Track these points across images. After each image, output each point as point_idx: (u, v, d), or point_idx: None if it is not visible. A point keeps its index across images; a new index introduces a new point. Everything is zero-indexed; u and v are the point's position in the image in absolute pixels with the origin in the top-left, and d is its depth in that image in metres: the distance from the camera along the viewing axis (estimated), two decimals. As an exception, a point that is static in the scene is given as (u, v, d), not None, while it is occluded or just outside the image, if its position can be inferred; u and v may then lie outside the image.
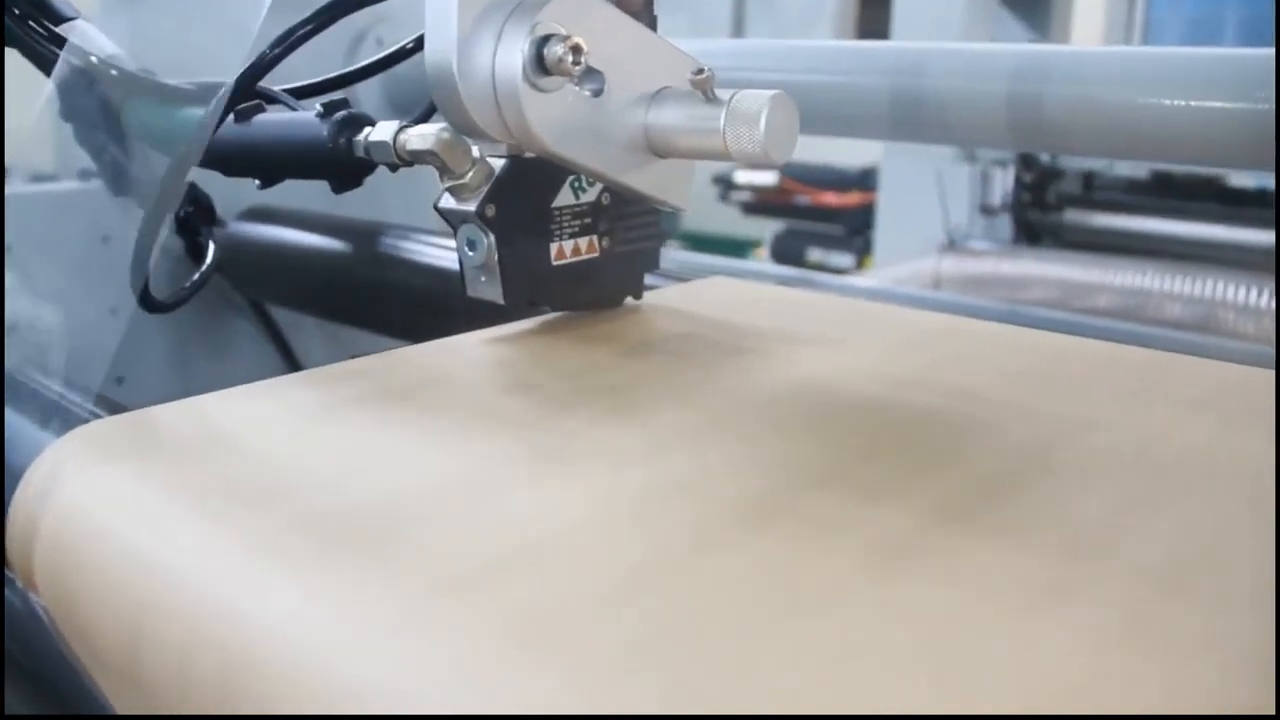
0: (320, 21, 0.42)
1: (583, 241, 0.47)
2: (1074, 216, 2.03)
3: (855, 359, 0.42)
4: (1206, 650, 0.22)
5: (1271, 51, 0.61)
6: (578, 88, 0.36)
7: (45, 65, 0.55)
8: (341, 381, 0.39)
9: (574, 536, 0.27)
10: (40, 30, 0.54)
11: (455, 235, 0.44)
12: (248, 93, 0.44)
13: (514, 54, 0.34)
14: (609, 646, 0.22)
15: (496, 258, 0.43)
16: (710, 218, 3.32)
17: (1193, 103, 0.62)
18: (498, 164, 0.43)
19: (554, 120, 0.35)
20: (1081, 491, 0.29)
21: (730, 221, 2.94)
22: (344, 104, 0.46)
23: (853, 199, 2.32)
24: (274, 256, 0.79)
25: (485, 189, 0.43)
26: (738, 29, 3.57)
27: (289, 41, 0.43)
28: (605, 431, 0.34)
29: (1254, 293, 1.50)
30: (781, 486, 0.30)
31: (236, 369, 0.92)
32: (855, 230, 2.29)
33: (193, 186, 0.56)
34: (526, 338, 0.45)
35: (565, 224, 0.46)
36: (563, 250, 0.46)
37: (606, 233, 0.47)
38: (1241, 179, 1.76)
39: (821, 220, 2.39)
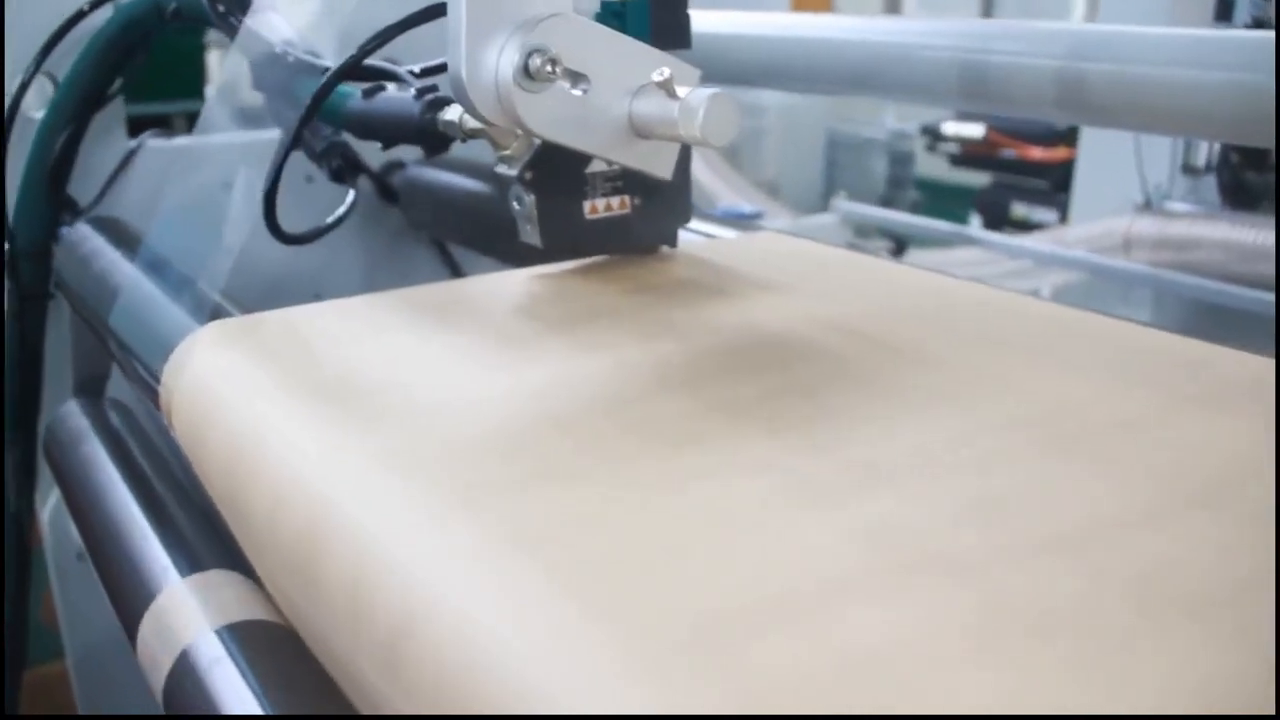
0: (407, 24, 0.55)
1: (614, 200, 0.58)
2: (1293, 179, 1.93)
3: (810, 306, 0.52)
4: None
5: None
6: (566, 86, 0.48)
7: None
8: (406, 302, 0.53)
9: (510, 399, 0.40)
10: (237, 21, 0.70)
11: (508, 195, 0.57)
12: (345, 77, 0.58)
13: (508, 65, 0.46)
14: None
15: (536, 212, 0.56)
16: (935, 168, 3.31)
17: (1225, 79, 0.66)
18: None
19: (542, 113, 0.47)
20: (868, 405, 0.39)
21: (952, 170, 2.95)
22: (433, 88, 0.59)
23: (1059, 153, 2.29)
24: (436, 196, 0.94)
25: (526, 158, 0.55)
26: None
27: (378, 41, 0.56)
28: (559, 344, 0.46)
29: None
30: (640, 389, 0.41)
31: (414, 292, 1.08)
32: (1059, 186, 2.27)
33: (344, 144, 0.71)
34: (561, 275, 0.58)
35: (598, 185, 0.57)
36: (595, 207, 0.58)
37: (637, 193, 0.59)
38: None
39: (1027, 174, 2.38)
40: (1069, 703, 0.23)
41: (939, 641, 0.26)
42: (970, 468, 0.34)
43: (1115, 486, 0.33)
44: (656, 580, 0.29)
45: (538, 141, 0.55)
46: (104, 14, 0.85)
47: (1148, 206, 1.84)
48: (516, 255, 0.90)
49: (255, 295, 0.62)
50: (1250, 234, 1.71)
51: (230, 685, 0.41)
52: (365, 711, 0.34)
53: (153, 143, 0.93)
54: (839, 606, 0.27)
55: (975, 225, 2.15)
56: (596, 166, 0.57)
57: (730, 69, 0.87)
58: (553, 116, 0.47)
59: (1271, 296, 1.54)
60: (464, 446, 0.37)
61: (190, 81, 3.68)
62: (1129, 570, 0.28)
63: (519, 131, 0.55)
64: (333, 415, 0.40)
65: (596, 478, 0.34)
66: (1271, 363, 0.43)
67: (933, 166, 3.01)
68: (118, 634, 0.81)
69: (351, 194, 0.72)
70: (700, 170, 2.37)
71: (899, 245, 1.76)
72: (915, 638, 0.26)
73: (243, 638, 0.44)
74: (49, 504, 0.91)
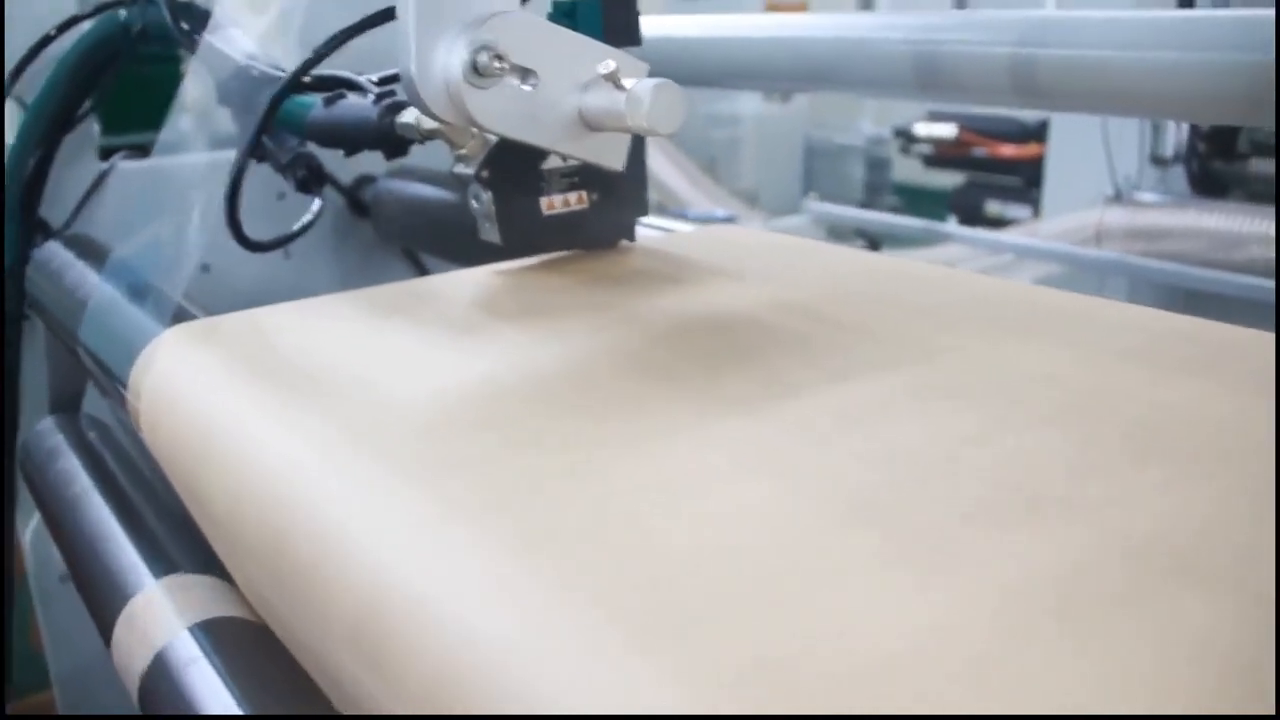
0: (360, 28, 0.56)
1: (571, 196, 0.59)
2: (1261, 166, 1.95)
3: (765, 290, 0.53)
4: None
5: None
6: (515, 82, 0.49)
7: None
8: (367, 300, 0.54)
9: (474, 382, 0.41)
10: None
11: (466, 194, 0.58)
12: (301, 84, 0.59)
13: (456, 63, 0.47)
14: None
15: (494, 210, 0.57)
16: (916, 172, 3.33)
17: (1176, 60, 0.68)
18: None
19: (493, 109, 0.48)
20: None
21: (932, 173, 2.97)
22: (391, 93, 0.60)
23: (1030, 150, 2.31)
24: (406, 207, 0.95)
25: (482, 156, 0.56)
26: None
27: (332, 45, 0.57)
28: (516, 331, 0.47)
29: None
30: (595, 368, 0.42)
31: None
32: (1032, 182, 2.29)
33: (309, 155, 0.72)
34: (520, 271, 0.59)
35: (555, 182, 0.59)
36: (553, 203, 0.59)
37: (594, 188, 0.60)
38: None
39: (1000, 172, 2.40)
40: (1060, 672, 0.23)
41: (872, 586, 0.27)
42: (923, 433, 0.36)
43: (1084, 451, 0.34)
44: (605, 544, 0.30)
45: (493, 140, 0.56)
46: (72, 37, 0.86)
47: (1118, 198, 1.86)
48: (485, 261, 0.91)
49: (229, 312, 0.63)
50: (1220, 221, 1.73)
51: (205, 682, 0.42)
52: (336, 700, 0.35)
53: (124, 165, 0.94)
54: (779, 557, 0.28)
55: (951, 224, 2.17)
56: (553, 163, 0.58)
57: (689, 72, 0.88)
58: (503, 112, 0.48)
59: (1248, 279, 1.55)
60: (425, 431, 0.38)
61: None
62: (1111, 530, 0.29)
63: (474, 130, 0.56)
64: (294, 407, 0.41)
65: (554, 453, 0.35)
66: (1229, 328, 0.44)
67: (910, 171, 3.04)
68: (102, 655, 0.82)
69: (317, 203, 0.73)
70: (677, 181, 2.39)
71: (873, 246, 1.78)
72: (829, 574, 0.27)
73: (216, 635, 0.44)
74: (30, 526, 0.92)
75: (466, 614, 0.28)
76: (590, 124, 0.51)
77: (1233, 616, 0.25)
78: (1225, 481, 0.31)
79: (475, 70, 0.47)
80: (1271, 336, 0.43)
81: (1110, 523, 0.29)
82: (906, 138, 2.51)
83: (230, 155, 0.67)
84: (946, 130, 2.41)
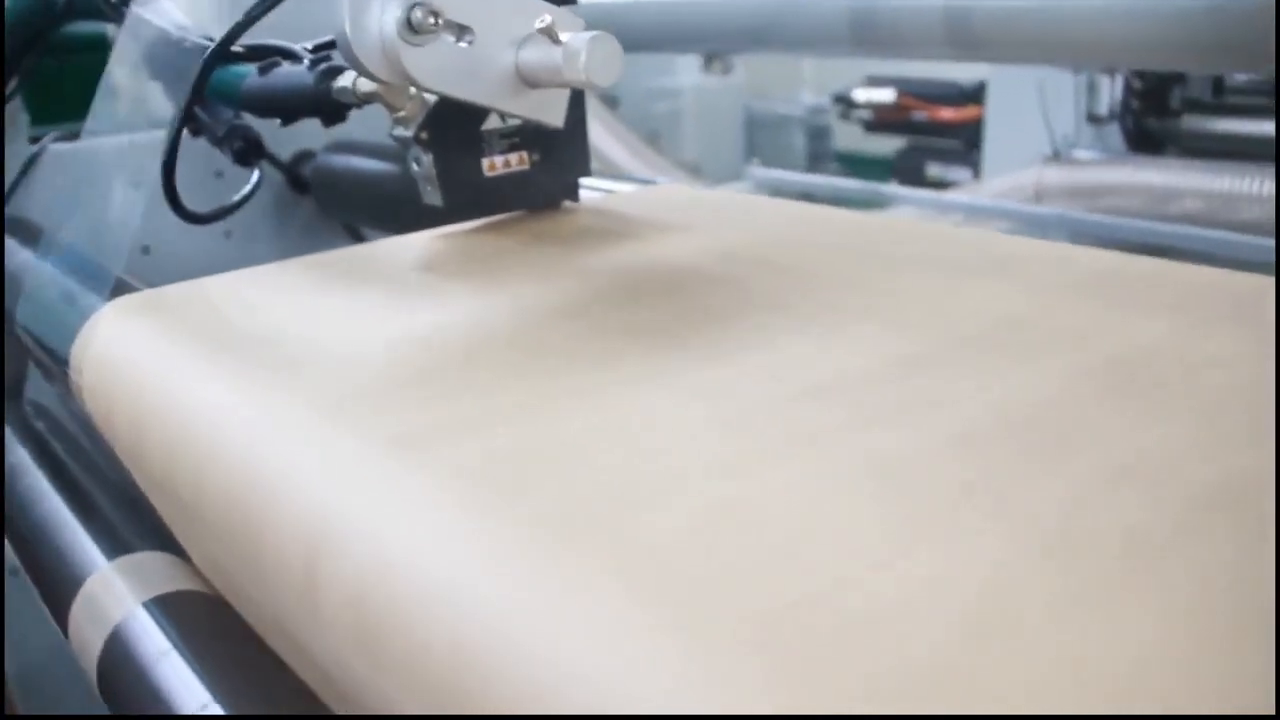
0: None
1: (512, 157, 0.59)
2: (1193, 123, 1.99)
3: (708, 241, 0.53)
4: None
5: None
6: (451, 39, 0.48)
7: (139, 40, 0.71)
8: (311, 266, 0.54)
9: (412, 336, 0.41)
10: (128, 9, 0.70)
11: (407, 157, 0.57)
12: (225, 55, 0.58)
13: (391, 20, 0.46)
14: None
15: (435, 172, 0.56)
16: (857, 140, 3.35)
17: (1104, 5, 0.69)
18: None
19: (428, 65, 0.48)
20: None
21: (872, 140, 2.99)
22: (326, 58, 0.59)
23: (969, 113, 2.34)
24: (346, 181, 0.94)
25: (421, 118, 0.56)
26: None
27: (261, 9, 0.56)
28: (461, 289, 0.47)
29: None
30: (541, 319, 0.42)
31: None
32: (972, 144, 2.32)
33: (246, 127, 0.71)
34: (463, 233, 0.58)
35: (495, 143, 0.58)
36: (494, 164, 0.58)
37: (535, 149, 0.60)
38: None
39: (939, 135, 2.42)
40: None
41: (820, 509, 0.27)
42: (860, 370, 0.36)
43: (1062, 388, 0.34)
44: (556, 481, 0.30)
45: (431, 101, 0.56)
46: (-6, 17, 0.84)
47: (1056, 157, 1.88)
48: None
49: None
50: (1156, 176, 1.76)
51: (163, 655, 0.42)
52: (294, 665, 0.35)
53: (55, 147, 0.92)
54: (702, 481, 0.29)
55: (894, 185, 2.19)
56: (493, 123, 0.58)
57: (623, 36, 0.88)
58: (439, 68, 0.48)
59: (1188, 229, 1.58)
60: (375, 390, 0.38)
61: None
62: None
63: (411, 91, 0.55)
64: (240, 373, 0.41)
65: (505, 402, 0.35)
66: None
67: (852, 139, 3.06)
68: (59, 647, 0.81)
69: (256, 174, 0.72)
70: (620, 154, 2.39)
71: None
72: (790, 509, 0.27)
73: (171, 609, 0.44)
74: (-25, 520, 0.90)
75: (430, 568, 0.28)
76: (528, 80, 0.51)
77: (1234, 554, 0.24)
78: (1216, 417, 0.31)
79: (410, 27, 0.46)
80: (1231, 273, 0.43)
81: (1096, 459, 0.29)
82: (846, 104, 2.53)
83: (164, 133, 0.66)
84: (885, 95, 2.43)
